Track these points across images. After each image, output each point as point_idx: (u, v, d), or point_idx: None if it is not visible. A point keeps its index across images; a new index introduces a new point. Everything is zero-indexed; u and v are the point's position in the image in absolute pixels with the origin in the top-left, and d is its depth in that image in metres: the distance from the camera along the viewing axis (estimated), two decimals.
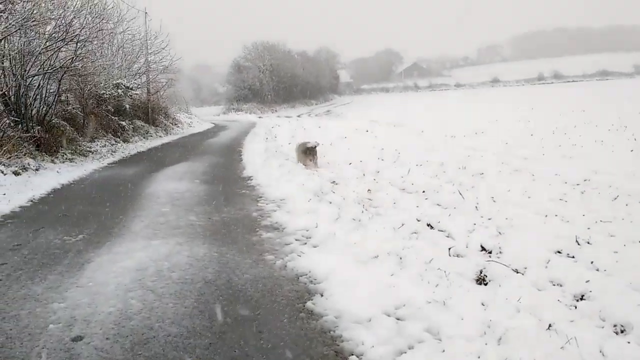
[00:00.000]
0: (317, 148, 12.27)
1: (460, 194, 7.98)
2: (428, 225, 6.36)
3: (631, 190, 8.04)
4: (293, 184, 8.38)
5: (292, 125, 32.32)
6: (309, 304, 3.74)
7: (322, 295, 3.84)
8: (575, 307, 3.81)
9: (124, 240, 5.48)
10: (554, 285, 4.30)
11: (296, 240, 5.36)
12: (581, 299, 4.00)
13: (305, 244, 5.21)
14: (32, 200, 7.87)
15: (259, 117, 48.02)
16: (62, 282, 4.32)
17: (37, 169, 11.27)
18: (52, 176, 10.34)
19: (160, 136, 24.89)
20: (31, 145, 12.78)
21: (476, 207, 7.22)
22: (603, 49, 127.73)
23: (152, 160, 14.15)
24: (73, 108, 18.36)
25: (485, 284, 4.32)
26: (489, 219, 6.61)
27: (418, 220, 6.54)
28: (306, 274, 4.32)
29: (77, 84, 18.02)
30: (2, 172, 9.89)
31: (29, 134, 12.93)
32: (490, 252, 5.27)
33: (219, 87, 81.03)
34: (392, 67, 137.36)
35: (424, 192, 8.57)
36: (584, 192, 8.21)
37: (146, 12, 26.66)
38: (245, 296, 3.93)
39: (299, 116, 49.75)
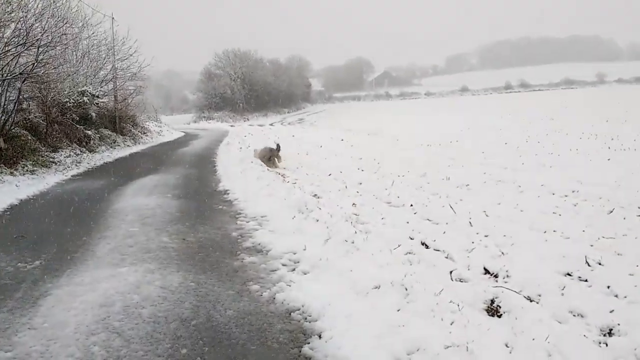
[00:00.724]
0: (283, 151, 13.91)
1: (452, 208, 7.56)
2: (423, 244, 5.90)
3: (623, 202, 7.77)
4: (274, 198, 7.83)
5: (265, 134, 31.73)
6: (305, 348, 3.19)
7: (320, 337, 3.29)
8: (606, 345, 3.37)
9: (88, 268, 4.83)
10: (574, 316, 3.86)
11: (283, 265, 4.80)
12: (609, 333, 3.57)
13: (294, 269, 4.66)
14: None
15: (231, 126, 47.28)
16: (12, 322, 3.67)
17: None
18: (9, 191, 9.53)
19: (129, 145, 23.99)
20: None
21: (470, 222, 6.80)
22: (566, 58, 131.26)
23: (119, 171, 13.37)
24: (35, 117, 17.42)
25: (499, 316, 3.86)
26: (486, 236, 6.20)
27: (411, 239, 6.07)
28: (299, 309, 3.76)
29: (39, 92, 17.11)
30: None
31: None
32: (495, 276, 4.82)
33: (189, 95, 79.84)
34: (364, 76, 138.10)
35: (412, 205, 8.13)
36: (576, 204, 7.90)
37: (113, 17, 25.77)
38: (229, 339, 3.35)
39: (271, 125, 49.19)
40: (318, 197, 8.88)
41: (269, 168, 12.85)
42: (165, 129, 35.97)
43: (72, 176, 12.38)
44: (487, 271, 4.99)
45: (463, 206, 7.95)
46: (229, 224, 6.63)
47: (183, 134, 35.88)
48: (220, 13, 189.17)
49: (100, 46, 24.70)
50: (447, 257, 5.34)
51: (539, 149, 15.51)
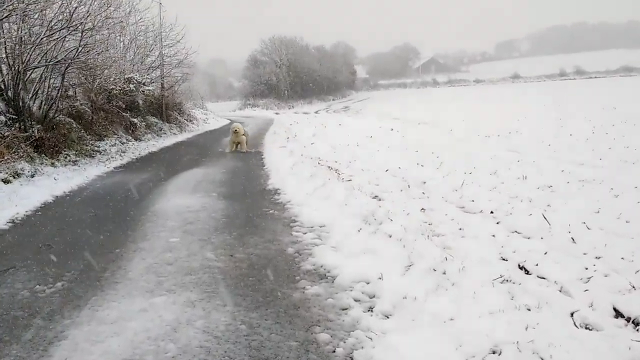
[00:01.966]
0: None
1: (545, 218, 6.35)
2: (521, 268, 4.77)
3: None
4: (332, 202, 6.82)
5: (312, 122, 30.76)
6: None
7: None
8: None
9: (116, 295, 3.95)
10: None
11: (356, 301, 3.77)
12: None
13: (371, 309, 3.63)
14: (12, 221, 6.39)
15: (276, 114, 46.58)
16: None
17: (32, 175, 9.86)
18: (46, 185, 8.89)
19: (175, 134, 23.51)
20: (29, 147, 11.37)
21: (572, 238, 5.59)
22: (623, 44, 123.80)
23: (163, 163, 12.67)
24: (81, 104, 17.00)
25: None
26: (598, 258, 5.00)
27: (504, 260, 4.95)
28: None
29: (85, 78, 16.65)
30: None
31: (27, 133, 11.53)
32: (634, 323, 3.67)
33: (234, 82, 79.76)
34: (410, 63, 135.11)
35: (492, 213, 6.96)
36: None
37: (160, 3, 25.22)
38: None
39: (316, 112, 48.21)
40: (379, 199, 7.83)
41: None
42: (210, 116, 35.58)
43: (114, 168, 11.74)
44: (618, 313, 3.84)
45: (554, 215, 6.71)
46: (282, 235, 5.66)
47: (228, 121, 35.35)
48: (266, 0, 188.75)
49: (148, 32, 24.25)
50: (560, 290, 4.20)
51: (610, 141, 13.93)
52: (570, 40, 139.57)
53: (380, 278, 4.05)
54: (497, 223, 6.53)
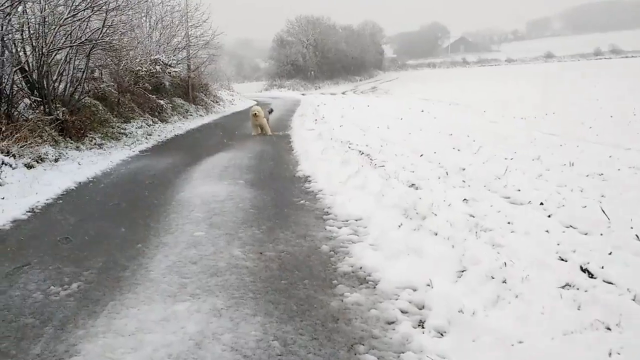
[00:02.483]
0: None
1: (603, 211, 5.76)
2: (584, 270, 4.24)
3: None
4: (367, 192, 6.34)
5: (339, 103, 30.19)
6: None
7: None
8: None
9: (136, 300, 3.58)
10: None
11: (403, 313, 3.31)
12: None
13: (422, 325, 3.16)
14: (32, 210, 6.10)
15: (302, 95, 46.05)
16: None
17: (56, 159, 9.62)
18: (70, 170, 8.62)
19: (201, 115, 23.24)
20: (53, 130, 11.15)
21: (637, 235, 5.02)
22: None
23: (189, 147, 12.34)
24: (107, 86, 16.78)
25: None
26: None
27: (563, 261, 4.42)
28: None
29: (110, 60, 16.39)
30: (11, 165, 8.21)
31: (52, 116, 11.29)
32: None
33: (260, 63, 79.23)
34: (438, 42, 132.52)
35: (541, 204, 6.38)
36: None
37: None
38: None
39: (343, 93, 47.49)
40: (416, 188, 7.32)
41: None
42: (237, 97, 35.25)
43: (139, 152, 11.45)
44: None
45: (611, 207, 6.10)
46: (315, 229, 5.21)
47: (255, 102, 34.97)
48: None
49: (174, 12, 23.88)
50: (634, 300, 3.68)
51: None
52: (605, 18, 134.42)
53: (429, 285, 3.58)
54: (549, 216, 5.96)
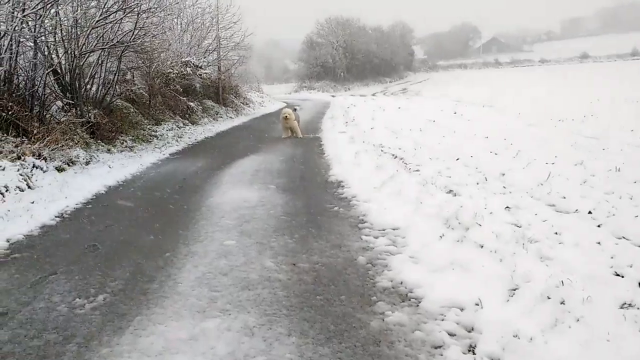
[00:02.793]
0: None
1: None
2: None
3: None
4: (404, 199, 6.04)
5: (369, 105, 29.82)
6: None
7: None
8: None
9: (163, 316, 3.37)
10: None
11: (451, 336, 3.01)
12: None
13: (473, 351, 2.86)
14: (60, 216, 6.00)
15: (332, 96, 45.80)
16: None
17: (87, 162, 9.59)
18: (100, 174, 8.55)
19: (231, 117, 23.22)
20: (85, 133, 11.16)
21: None
22: None
23: (219, 149, 12.23)
24: (138, 88, 16.85)
25: None
26: None
27: (619, 276, 4.05)
28: None
29: (142, 62, 16.45)
30: (42, 168, 8.19)
31: (83, 119, 11.31)
32: None
33: (289, 65, 79.27)
34: (470, 42, 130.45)
35: (590, 213, 5.97)
36: None
37: None
38: None
39: (373, 95, 47.04)
40: (454, 194, 6.98)
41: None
42: (266, 99, 35.26)
43: (169, 155, 11.37)
44: None
45: None
46: (350, 238, 4.95)
47: (284, 104, 34.89)
48: None
49: (205, 15, 23.96)
50: None
51: None
52: None
53: (477, 304, 3.28)
54: (598, 226, 5.56)
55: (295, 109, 14.98)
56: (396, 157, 10.45)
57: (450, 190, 7.19)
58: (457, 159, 10.05)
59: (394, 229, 5.11)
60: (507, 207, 6.33)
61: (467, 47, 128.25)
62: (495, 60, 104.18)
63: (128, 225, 5.58)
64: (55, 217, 5.91)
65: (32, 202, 6.48)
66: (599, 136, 12.73)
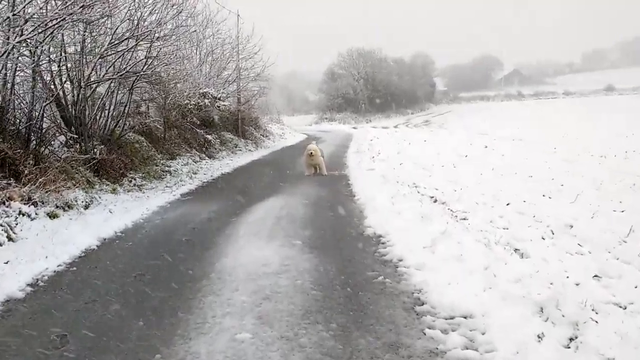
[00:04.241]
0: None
1: None
2: None
3: None
4: (469, 268, 4.68)
5: (393, 138, 28.60)
6: None
7: None
8: None
9: None
10: None
11: None
12: None
13: None
14: (35, 284, 4.75)
15: (354, 128, 44.76)
16: None
17: (86, 206, 8.44)
18: (97, 221, 7.35)
19: (250, 150, 22.15)
20: (89, 170, 10.07)
21: None
22: None
23: (236, 189, 11.02)
24: (152, 120, 15.89)
25: None
26: None
27: None
28: None
29: (157, 93, 15.52)
30: (29, 215, 7.03)
31: (87, 155, 10.24)
32: None
33: (310, 96, 78.81)
34: (491, 74, 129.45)
35: None
36: None
37: (238, 14, 24.16)
38: None
39: (396, 127, 45.85)
40: (522, 254, 5.62)
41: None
42: (287, 131, 34.29)
43: (180, 195, 10.18)
44: None
45: None
46: (408, 332, 3.60)
47: (305, 136, 33.86)
48: (337, 11, 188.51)
49: (225, 45, 23.17)
50: None
51: None
52: None
53: None
54: None
55: (315, 142, 13.73)
56: (436, 200, 9.13)
57: (516, 249, 5.83)
58: (508, 204, 8.71)
59: (466, 317, 3.75)
60: (596, 275, 4.96)
61: (488, 79, 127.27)
62: (518, 92, 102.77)
63: (113, 302, 4.31)
64: (28, 285, 4.68)
65: (7, 262, 5.29)
66: None
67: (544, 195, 9.39)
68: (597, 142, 19.91)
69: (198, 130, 18.73)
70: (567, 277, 4.88)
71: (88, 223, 7.20)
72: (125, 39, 10.77)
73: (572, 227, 7.02)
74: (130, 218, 7.71)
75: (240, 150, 21.41)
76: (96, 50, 10.43)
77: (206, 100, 19.59)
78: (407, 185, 10.31)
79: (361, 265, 5.13)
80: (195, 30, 15.40)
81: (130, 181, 11.26)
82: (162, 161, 14.42)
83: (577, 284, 4.67)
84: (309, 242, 6.06)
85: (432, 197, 9.44)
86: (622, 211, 7.90)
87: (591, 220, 7.39)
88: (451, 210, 7.96)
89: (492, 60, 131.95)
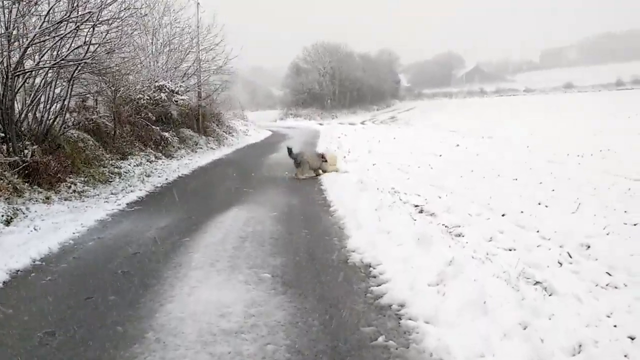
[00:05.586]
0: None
1: None
2: None
3: None
4: (499, 323, 3.49)
5: (362, 135, 27.57)
6: None
7: None
8: None
9: None
10: None
11: None
12: None
13: None
14: None
15: (320, 124, 43.62)
16: None
17: (8, 221, 6.96)
18: (12, 245, 5.84)
19: (212, 148, 20.65)
20: (17, 176, 8.50)
21: None
22: None
23: (193, 196, 9.61)
24: (100, 116, 14.23)
25: None
26: None
27: None
28: None
29: (106, 85, 13.87)
30: None
31: (14, 158, 8.64)
32: None
33: (274, 91, 77.12)
34: (453, 71, 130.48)
35: None
36: None
37: (198, 2, 22.51)
38: None
39: (362, 123, 44.90)
40: (546, 291, 4.47)
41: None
42: (251, 127, 32.77)
43: (127, 205, 8.69)
44: None
45: None
46: None
47: (270, 133, 32.46)
48: (307, 5, 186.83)
49: (184, 35, 21.50)
50: None
51: None
52: (622, 49, 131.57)
53: None
54: None
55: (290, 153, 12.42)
56: (422, 210, 8.00)
57: (537, 282, 4.70)
58: (504, 215, 7.66)
59: None
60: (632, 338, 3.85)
61: (450, 76, 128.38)
62: (480, 89, 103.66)
63: None
64: None
65: None
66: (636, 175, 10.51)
67: (539, 204, 8.39)
68: (569, 140, 19.30)
69: (154, 127, 17.12)
70: (614, 325, 3.81)
71: (1, 246, 5.70)
72: (62, 20, 9.19)
73: (589, 247, 5.97)
74: (59, 238, 6.22)
75: (201, 148, 19.88)
76: (25, 34, 8.83)
77: (162, 94, 17.97)
78: (388, 192, 9.14)
79: (352, 316, 3.86)
80: (146, 15, 13.77)
81: (70, 187, 9.72)
82: (111, 162, 12.85)
83: (632, 339, 3.59)
84: (281, 276, 4.75)
85: (417, 206, 8.31)
86: (635, 224, 6.93)
87: (607, 237, 6.36)
88: (446, 226, 6.80)
89: (454, 57, 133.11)
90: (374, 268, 4.91)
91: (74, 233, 6.55)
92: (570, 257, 5.62)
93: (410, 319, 3.72)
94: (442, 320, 3.59)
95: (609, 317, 3.99)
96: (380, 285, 4.44)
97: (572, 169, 12.24)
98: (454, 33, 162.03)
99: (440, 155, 16.36)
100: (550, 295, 4.40)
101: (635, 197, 8.64)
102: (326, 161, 12.23)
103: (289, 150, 12.19)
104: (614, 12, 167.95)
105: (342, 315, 3.86)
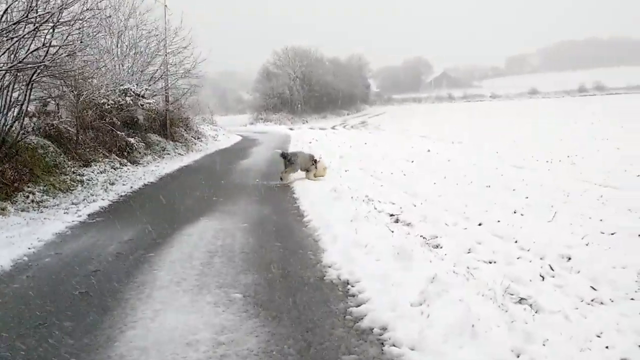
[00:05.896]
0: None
1: None
2: None
3: None
4: (493, 353, 3.26)
5: (333, 140, 27.35)
6: None
7: None
8: None
9: None
10: None
11: None
12: None
13: None
14: None
15: (290, 129, 43.23)
16: None
17: None
18: None
19: (180, 154, 20.09)
20: None
21: None
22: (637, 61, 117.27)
23: (159, 206, 9.19)
24: (62, 122, 13.63)
25: None
26: None
27: None
28: None
29: (68, 89, 13.30)
30: None
31: None
32: None
33: (243, 95, 76.45)
34: (422, 77, 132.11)
35: None
36: None
37: (166, 5, 21.96)
38: None
39: (333, 128, 44.75)
40: (533, 308, 4.28)
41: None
42: (220, 132, 32.18)
43: (88, 216, 8.21)
44: None
45: None
46: None
47: (240, 138, 31.94)
48: (276, 9, 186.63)
49: (150, 37, 20.92)
50: None
51: None
52: (584, 56, 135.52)
53: None
54: None
55: (283, 154, 12.33)
56: (398, 220, 7.78)
57: (522, 299, 4.52)
58: (480, 224, 7.53)
59: None
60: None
61: (419, 81, 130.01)
62: (448, 94, 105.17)
63: None
64: None
65: None
66: (613, 184, 10.57)
67: (515, 212, 8.29)
68: (535, 145, 19.50)
69: (119, 133, 16.52)
70: (607, 347, 3.65)
71: None
72: (20, 21, 8.68)
73: (569, 258, 5.85)
74: (12, 254, 5.75)
75: (169, 154, 19.30)
76: None
77: (128, 98, 17.39)
78: (363, 201, 8.90)
79: (331, 341, 3.56)
80: (110, 16, 13.26)
81: (27, 197, 9.18)
82: (72, 169, 12.28)
83: None
84: (253, 296, 4.42)
85: (393, 215, 8.10)
86: (612, 233, 6.87)
87: (587, 247, 6.26)
88: (424, 238, 6.58)
89: (423, 63, 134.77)
90: (352, 286, 4.63)
91: (29, 248, 6.08)
92: (552, 269, 5.48)
93: (394, 345, 3.45)
94: (429, 347, 3.33)
95: (599, 336, 3.84)
96: (359, 305, 4.16)
97: (542, 176, 12.26)
98: (422, 40, 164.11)
99: (412, 161, 16.30)
100: (537, 313, 4.22)
101: (608, 204, 8.62)
102: (316, 165, 12.06)
103: (282, 155, 12.08)
104: (574, 20, 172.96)
105: (319, 340, 3.56)
